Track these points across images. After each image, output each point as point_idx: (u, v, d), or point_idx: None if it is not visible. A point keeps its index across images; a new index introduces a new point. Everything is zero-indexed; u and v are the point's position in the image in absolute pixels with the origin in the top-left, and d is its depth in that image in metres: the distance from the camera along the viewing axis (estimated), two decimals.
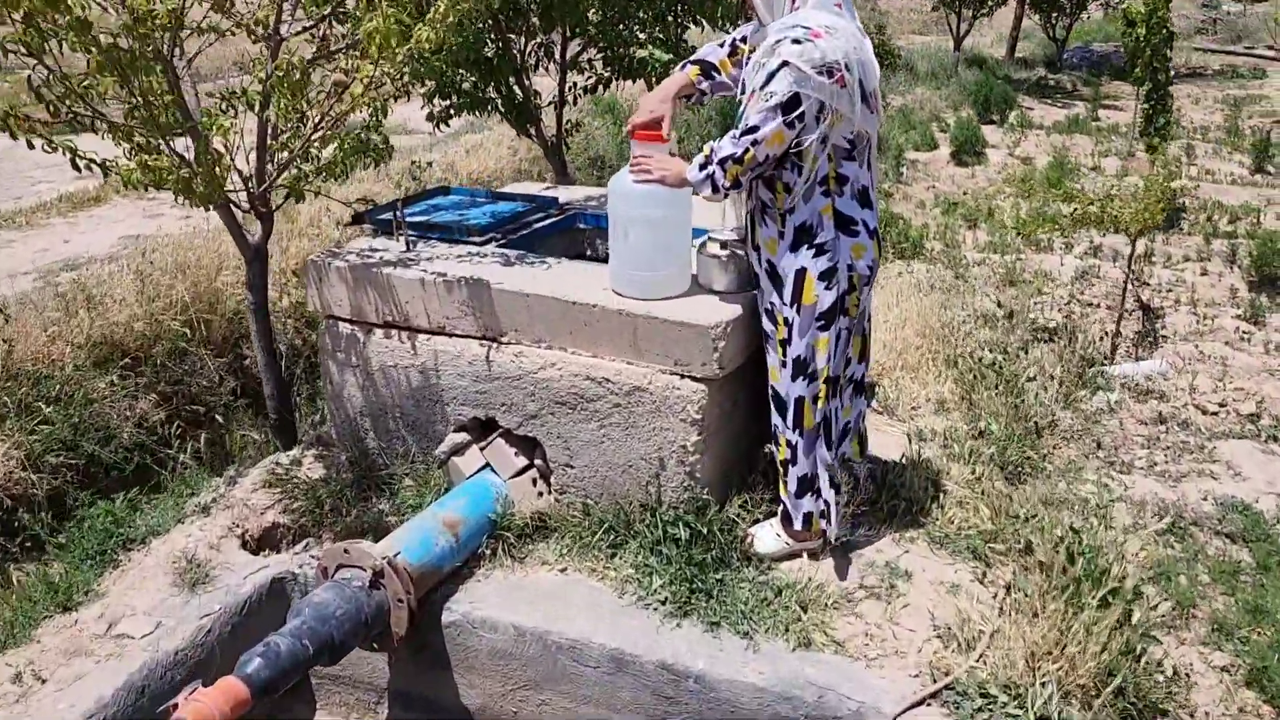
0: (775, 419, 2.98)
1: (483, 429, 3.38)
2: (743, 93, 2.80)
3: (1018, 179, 9.50)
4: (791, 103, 2.57)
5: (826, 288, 2.79)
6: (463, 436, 3.36)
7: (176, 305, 4.69)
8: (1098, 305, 6.18)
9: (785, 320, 2.85)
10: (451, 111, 5.32)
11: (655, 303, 2.99)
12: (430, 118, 5.06)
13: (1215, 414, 4.73)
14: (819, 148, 2.66)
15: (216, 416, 4.55)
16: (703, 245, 3.12)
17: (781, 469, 3.00)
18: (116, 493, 3.96)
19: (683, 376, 2.98)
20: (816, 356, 2.85)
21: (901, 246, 6.46)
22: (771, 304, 2.89)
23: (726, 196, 2.85)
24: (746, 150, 2.64)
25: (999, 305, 5.86)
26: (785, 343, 2.87)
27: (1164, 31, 7.55)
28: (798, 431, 2.93)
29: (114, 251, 6.09)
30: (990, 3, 15.37)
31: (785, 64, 2.57)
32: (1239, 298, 6.39)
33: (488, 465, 3.33)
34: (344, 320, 3.48)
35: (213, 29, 3.29)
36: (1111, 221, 5.17)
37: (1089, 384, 4.94)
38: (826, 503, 2.96)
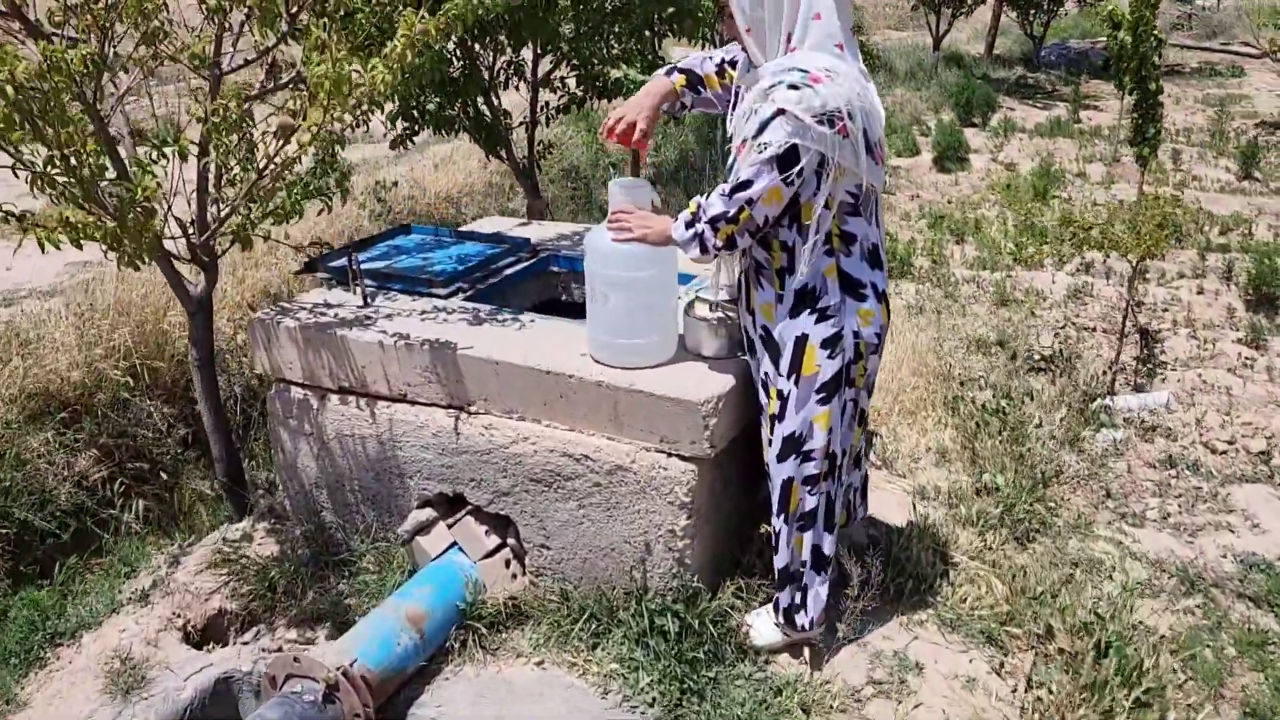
0: (772, 496, 2.71)
1: (450, 504, 3.08)
2: (729, 141, 2.51)
3: (1002, 186, 9.26)
4: (789, 156, 2.27)
5: (830, 356, 2.49)
6: (427, 513, 3.05)
7: (119, 351, 4.34)
8: (1094, 329, 5.94)
9: (779, 393, 2.56)
10: (414, 130, 5.01)
11: (639, 372, 2.70)
12: (393, 145, 4.73)
13: (1225, 453, 4.50)
14: (820, 204, 2.37)
15: (162, 474, 4.21)
16: (690, 306, 2.83)
17: (783, 550, 2.72)
18: (53, 563, 3.66)
19: (670, 455, 2.69)
20: (814, 433, 2.55)
21: (889, 265, 6.19)
22: (765, 374, 2.60)
23: (716, 257, 2.56)
24: (741, 209, 2.35)
25: (993, 334, 5.62)
26: (776, 418, 2.58)
27: (1152, 39, 7.31)
28: (782, 517, 2.66)
29: (57, 282, 5.72)
30: (970, 1, 15.12)
31: (781, 112, 2.26)
32: (1237, 318, 6.17)
33: (455, 544, 3.03)
34: (295, 384, 3.17)
35: (141, 64, 2.96)
36: (1113, 246, 4.92)
37: (1092, 419, 4.70)
38: (804, 595, 2.69)
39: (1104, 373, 5.01)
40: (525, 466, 2.86)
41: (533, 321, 3.07)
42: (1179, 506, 4.02)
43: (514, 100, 5.59)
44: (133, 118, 10.62)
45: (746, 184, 2.33)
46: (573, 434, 2.79)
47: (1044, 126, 11.82)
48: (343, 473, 3.18)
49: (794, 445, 2.57)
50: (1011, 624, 2.92)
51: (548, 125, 5.45)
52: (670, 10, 4.79)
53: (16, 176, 2.69)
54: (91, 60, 2.46)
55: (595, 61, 4.98)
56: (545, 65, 5.24)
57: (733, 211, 2.36)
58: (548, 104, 5.32)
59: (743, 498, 3.00)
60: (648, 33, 5.15)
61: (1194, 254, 7.20)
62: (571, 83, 5.14)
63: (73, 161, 2.63)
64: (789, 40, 2.36)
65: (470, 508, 3.03)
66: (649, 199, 2.66)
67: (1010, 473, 3.81)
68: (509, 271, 3.54)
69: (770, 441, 2.61)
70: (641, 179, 2.73)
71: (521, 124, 5.35)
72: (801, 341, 2.49)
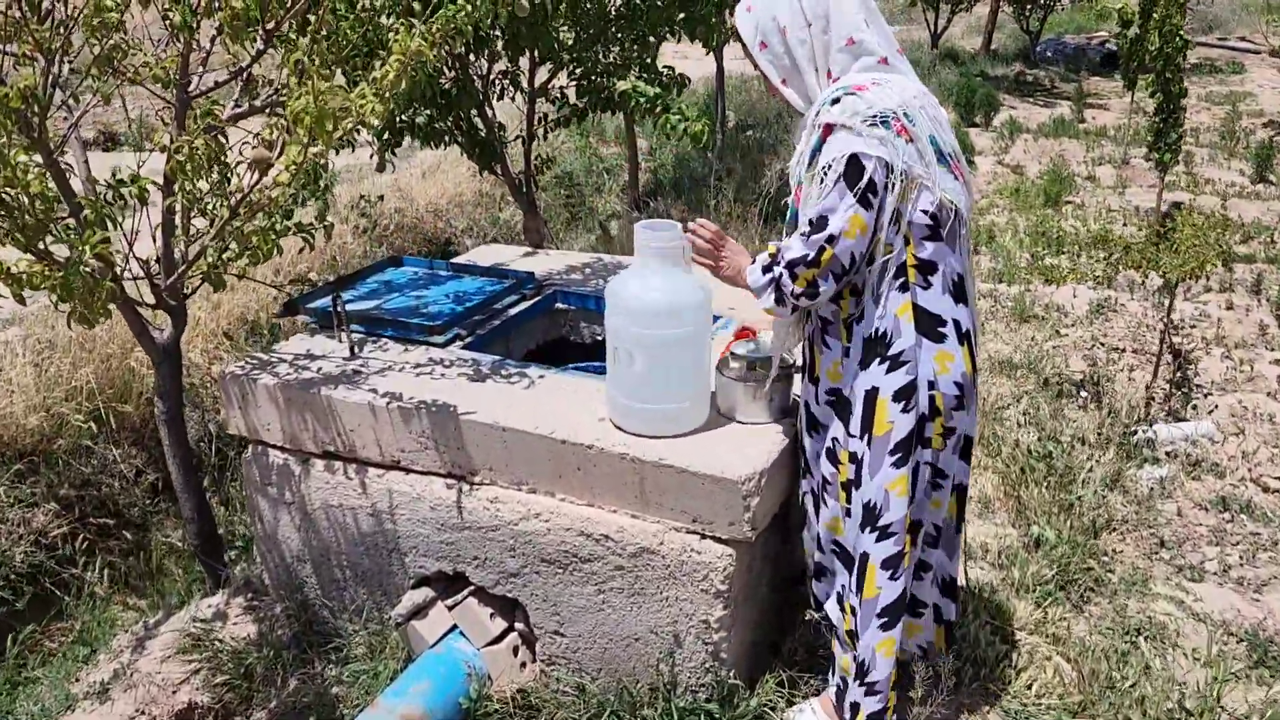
0: (841, 578, 2.37)
1: (450, 582, 2.74)
2: (792, 188, 2.20)
3: (1010, 190, 8.96)
4: (853, 169, 1.98)
5: (903, 410, 2.13)
6: (425, 594, 2.71)
7: (81, 392, 3.97)
8: (1123, 350, 5.63)
9: (852, 456, 2.21)
10: (398, 142, 4.65)
11: (668, 442, 2.36)
12: (379, 167, 4.37)
13: (1278, 491, 4.20)
14: (890, 226, 2.04)
15: (127, 532, 3.85)
16: (724, 363, 2.49)
17: (849, 639, 2.35)
18: (6, 632, 3.31)
19: (703, 537, 2.35)
20: (891, 503, 2.17)
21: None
22: (834, 441, 2.26)
23: (795, 310, 2.20)
24: (822, 249, 2.03)
25: (1017, 355, 5.31)
26: (851, 485, 2.23)
27: (1178, 40, 6.99)
28: (857, 599, 2.29)
29: (17, 309, 5.32)
30: None
31: (829, 129, 2.02)
32: (1270, 336, 5.88)
33: (456, 628, 2.69)
34: (275, 448, 2.82)
35: (97, 91, 2.60)
36: (1152, 266, 4.60)
37: (1134, 454, 4.39)
38: (867, 692, 2.30)
39: (1147, 404, 4.70)
40: (536, 546, 2.52)
41: (542, 377, 2.72)
42: (1239, 557, 3.71)
43: (508, 110, 5.25)
44: (105, 120, 10.20)
45: (822, 219, 2.03)
46: (591, 510, 2.45)
47: (1048, 126, 11.51)
48: (329, 546, 2.83)
49: (870, 516, 2.21)
50: (1084, 715, 2.60)
51: (545, 138, 5.10)
52: (681, 16, 4.44)
53: None
54: (31, 94, 2.10)
55: (597, 71, 4.63)
56: (542, 75, 4.89)
57: (813, 253, 2.04)
58: (545, 116, 4.97)
59: (779, 577, 2.67)
60: (651, 39, 4.80)
61: (1220, 267, 6.90)
62: (571, 93, 4.79)
63: (16, 203, 2.27)
64: (829, 76, 2.12)
65: (473, 588, 2.69)
66: (680, 240, 2.32)
67: (1059, 523, 3.49)
68: (512, 311, 3.20)
69: (848, 511, 2.27)
70: (670, 220, 2.39)
71: (517, 137, 4.99)
72: (872, 395, 2.15)
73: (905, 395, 2.13)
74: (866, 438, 2.17)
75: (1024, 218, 8.07)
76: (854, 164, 1.97)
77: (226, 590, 3.06)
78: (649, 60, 4.85)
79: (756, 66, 2.21)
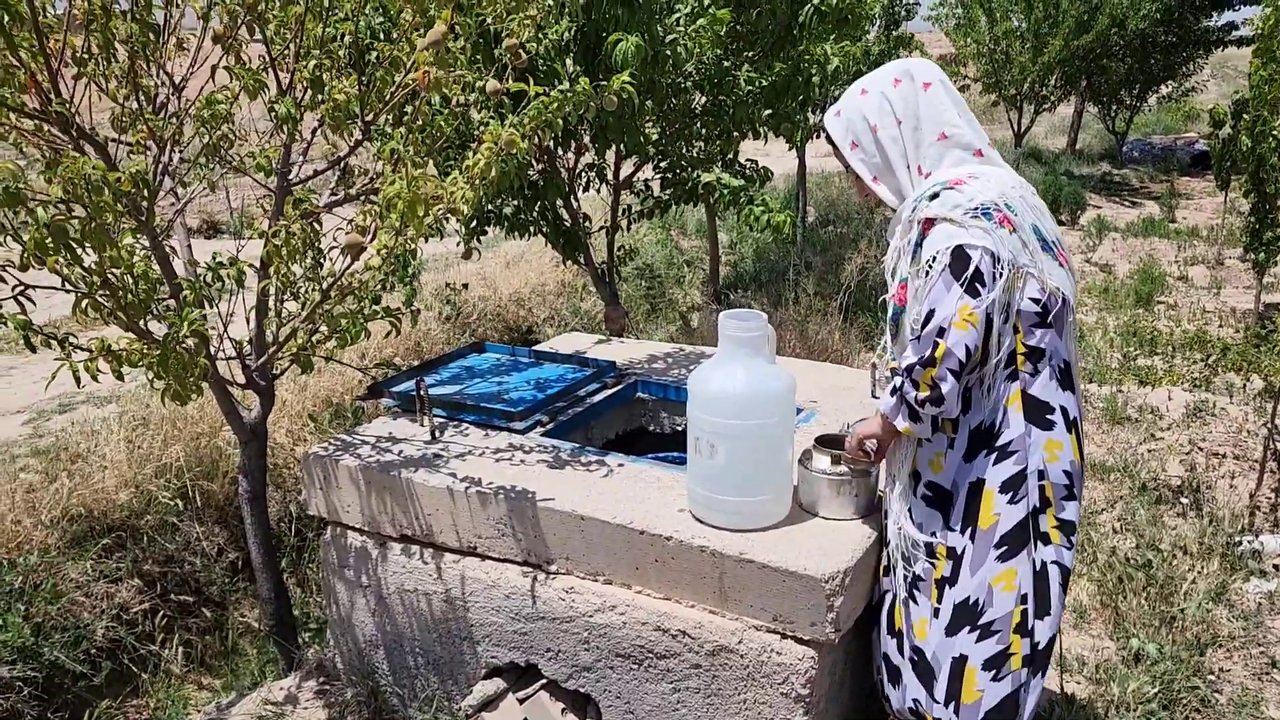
0: (913, 691, 2.24)
1: (521, 676, 2.68)
2: (890, 286, 2.18)
3: (1099, 289, 8.78)
4: (958, 260, 1.94)
5: (1011, 501, 2.06)
6: (496, 685, 2.65)
7: (170, 469, 4.06)
8: (1223, 455, 5.39)
9: (949, 551, 2.13)
10: (484, 230, 4.74)
11: (750, 537, 2.30)
12: (466, 255, 4.46)
13: None
14: (998, 317, 1.99)
15: (206, 609, 3.87)
16: (807, 456, 2.43)
17: None
18: (84, 708, 3.33)
19: (784, 636, 2.27)
20: (995, 599, 2.09)
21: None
22: (933, 535, 2.17)
23: (934, 425, 2.09)
24: (934, 344, 1.96)
25: (1110, 458, 5.12)
26: (946, 582, 2.13)
27: (1271, 140, 6.85)
28: (951, 707, 2.15)
29: (116, 385, 5.51)
30: (1052, 98, 14.79)
31: (929, 223, 2.00)
32: None
33: None
34: (354, 530, 2.82)
35: (202, 179, 2.71)
36: (1253, 369, 4.43)
37: (1239, 565, 4.15)
38: None
39: (1252, 513, 4.47)
40: (612, 639, 2.45)
41: (621, 465, 2.69)
42: None
43: (592, 202, 5.34)
44: (209, 209, 10.67)
45: (930, 314, 1.98)
46: (669, 605, 2.39)
47: (1136, 225, 11.32)
48: (402, 631, 2.80)
49: (969, 614, 2.11)
50: None
51: (628, 229, 5.16)
52: (767, 113, 4.50)
53: (66, 290, 2.44)
54: (142, 179, 2.18)
55: (681, 164, 4.69)
56: (627, 167, 4.98)
57: (927, 351, 1.97)
58: (629, 208, 5.04)
59: (860, 679, 2.56)
60: (735, 135, 4.86)
61: None
62: (656, 185, 4.86)
63: (119, 283, 2.36)
64: (920, 171, 2.13)
65: (545, 681, 2.62)
66: (764, 330, 2.29)
67: (1161, 638, 3.30)
68: (593, 400, 3.19)
69: (937, 611, 2.16)
70: (755, 310, 2.37)
71: (601, 228, 5.06)
72: (977, 487, 2.09)
73: (1013, 486, 2.07)
74: (969, 531, 2.10)
75: (1114, 317, 7.89)
76: (959, 255, 1.95)
77: (299, 673, 3.04)
78: (731, 156, 4.91)
79: (848, 167, 2.23)
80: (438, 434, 2.90)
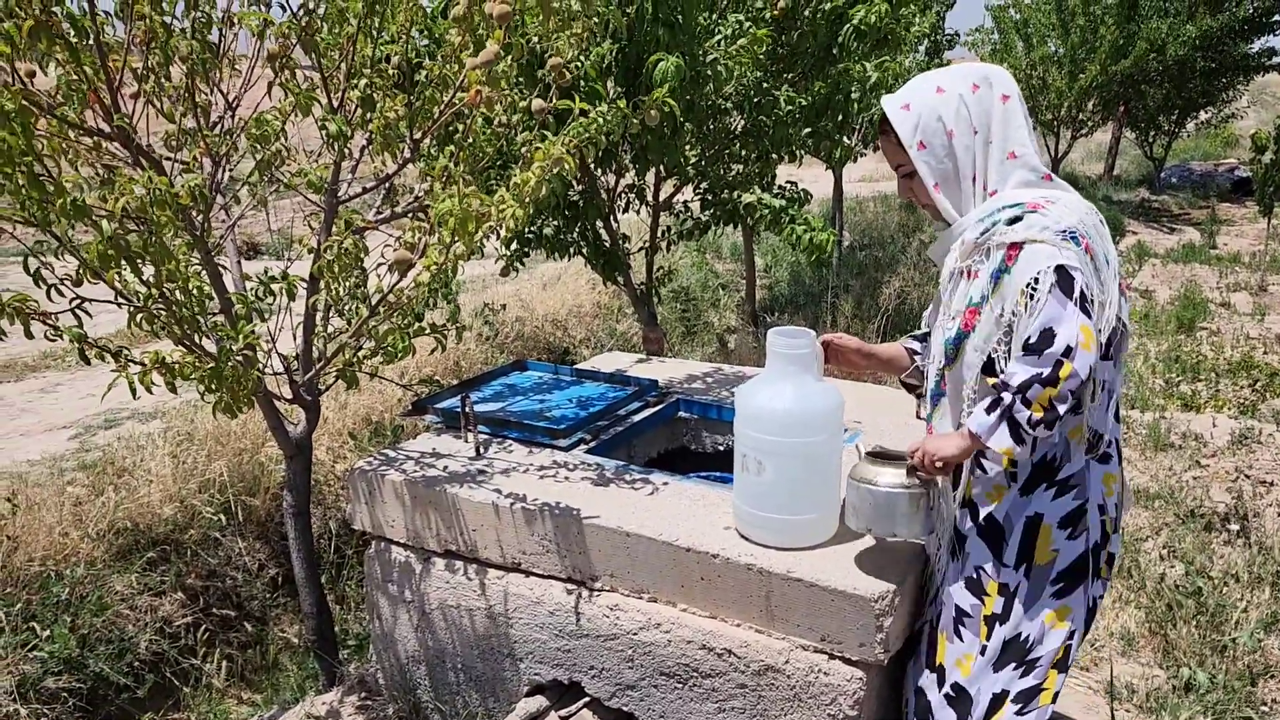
0: None
1: (564, 693, 2.67)
2: (938, 317, 2.14)
3: (1139, 315, 8.68)
4: (1065, 278, 1.81)
5: (1070, 537, 2.01)
6: (538, 703, 2.64)
7: (214, 484, 4.10)
8: (1271, 483, 5.29)
9: (1002, 588, 2.06)
10: (526, 252, 4.77)
11: (798, 555, 2.28)
12: (504, 271, 4.49)
13: None
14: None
15: (247, 624, 3.90)
16: (856, 473, 2.37)
17: None
18: None
19: (832, 657, 2.24)
20: (1047, 637, 2.04)
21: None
22: (978, 570, 2.10)
23: (1034, 448, 1.97)
24: (1059, 364, 1.81)
25: (1154, 485, 5.04)
26: (997, 619, 2.07)
27: None
28: None
29: (161, 402, 5.58)
30: (1090, 124, 14.71)
31: (1017, 246, 1.87)
32: None
33: None
34: (398, 545, 2.83)
35: (255, 195, 2.75)
36: None
37: None
38: None
39: None
40: (656, 657, 2.44)
41: (665, 484, 2.68)
42: None
43: (630, 224, 5.36)
44: (249, 231, 10.82)
45: (1048, 333, 1.82)
46: (714, 623, 2.37)
47: (1176, 251, 11.20)
48: (445, 647, 2.80)
49: (1018, 652, 2.07)
50: None
51: (667, 250, 5.17)
52: (806, 131, 4.50)
53: (119, 307, 2.47)
54: (200, 193, 2.22)
55: (721, 185, 4.70)
56: (667, 189, 4.99)
57: (1048, 370, 1.82)
58: (668, 229, 5.05)
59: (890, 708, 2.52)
60: (774, 156, 4.87)
61: None
62: (695, 206, 4.87)
63: (174, 298, 2.39)
64: (985, 188, 2.01)
65: (588, 699, 2.61)
66: (812, 348, 2.27)
67: (1213, 667, 3.23)
68: (635, 418, 3.18)
69: (984, 649, 2.11)
70: (802, 328, 2.36)
71: (640, 249, 5.08)
72: (1034, 523, 2.03)
73: (1072, 521, 2.01)
74: (1024, 567, 2.04)
75: (1155, 343, 7.80)
76: (1064, 274, 1.81)
77: (341, 688, 3.05)
78: (769, 178, 4.92)
79: (899, 168, 2.09)
80: (482, 450, 2.90)
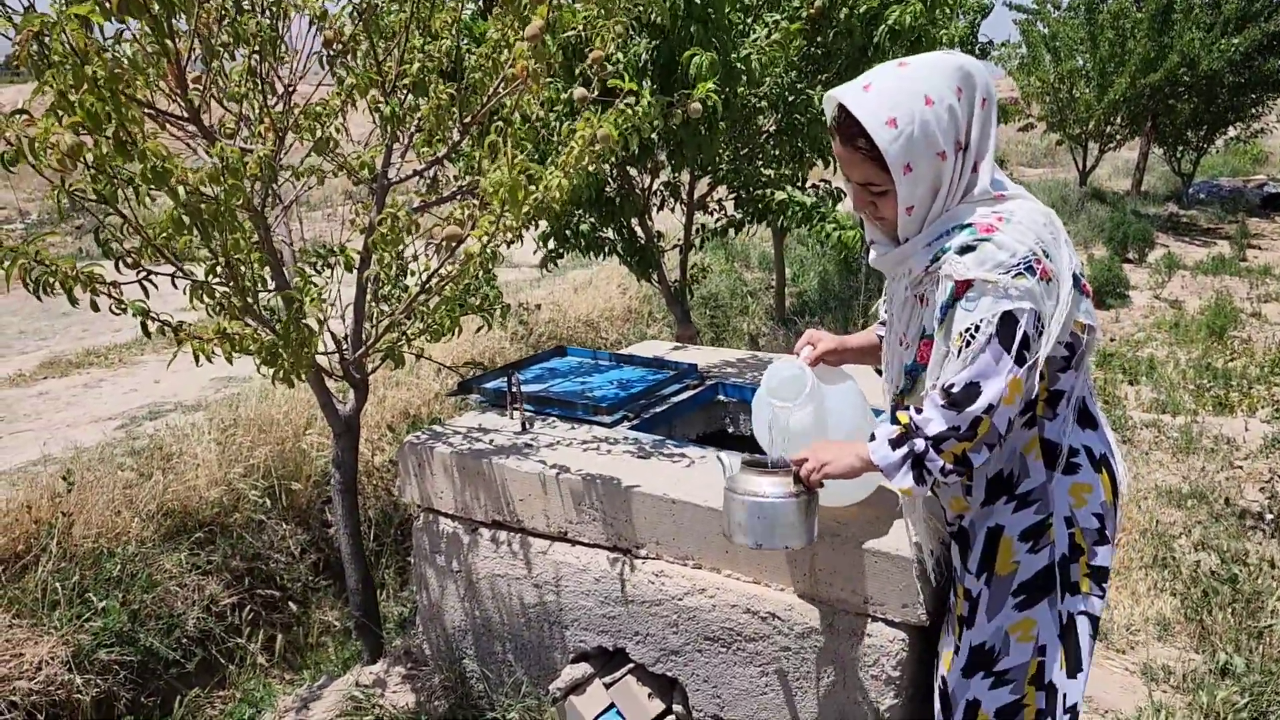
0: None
1: (609, 660, 2.72)
2: (889, 335, 2.04)
3: (1169, 324, 8.66)
4: (1006, 326, 1.72)
5: (1031, 550, 1.92)
6: (583, 669, 2.70)
7: (258, 470, 4.18)
8: None
9: (967, 593, 2.01)
10: (563, 251, 4.85)
11: (840, 519, 2.32)
12: (543, 263, 4.57)
13: None
14: (1035, 373, 1.80)
15: (292, 604, 3.97)
16: (738, 486, 2.15)
17: None
18: (174, 695, 3.43)
19: (874, 619, 2.29)
20: (1011, 648, 1.97)
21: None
22: (953, 569, 2.08)
23: (934, 487, 1.92)
24: (977, 420, 1.76)
25: (1185, 486, 5.04)
26: (964, 623, 2.02)
27: None
28: None
29: (203, 396, 5.69)
30: (1118, 138, 14.70)
31: (966, 285, 1.73)
32: None
33: (613, 707, 2.66)
34: (445, 516, 2.90)
35: (312, 172, 2.84)
36: None
37: None
38: None
39: None
40: (700, 622, 2.49)
41: (703, 457, 2.74)
42: None
43: (665, 221, 5.43)
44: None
45: (973, 388, 1.75)
46: (758, 588, 2.42)
47: (1205, 264, 11.17)
48: (491, 617, 2.86)
49: (984, 660, 2.00)
50: None
51: (701, 248, 5.24)
52: None
53: (175, 286, 2.55)
54: (266, 164, 2.31)
55: (756, 183, 4.77)
56: (701, 187, 5.07)
57: (965, 425, 1.77)
58: (703, 226, 5.13)
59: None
60: (808, 154, 4.93)
61: None
62: (730, 204, 4.94)
63: (237, 271, 2.48)
64: (945, 199, 1.83)
65: (632, 665, 2.66)
66: (807, 383, 2.20)
67: (1250, 652, 3.24)
68: (675, 400, 3.24)
69: (957, 649, 2.06)
70: (786, 360, 2.30)
71: (675, 246, 5.15)
72: (995, 534, 1.94)
73: (1033, 535, 1.92)
74: (985, 576, 1.97)
75: (1185, 352, 7.78)
76: (1007, 321, 1.72)
77: (387, 659, 3.11)
78: (802, 178, 4.99)
79: (866, 184, 1.85)
80: (527, 426, 2.97)
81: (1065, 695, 1.99)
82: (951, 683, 2.06)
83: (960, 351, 1.76)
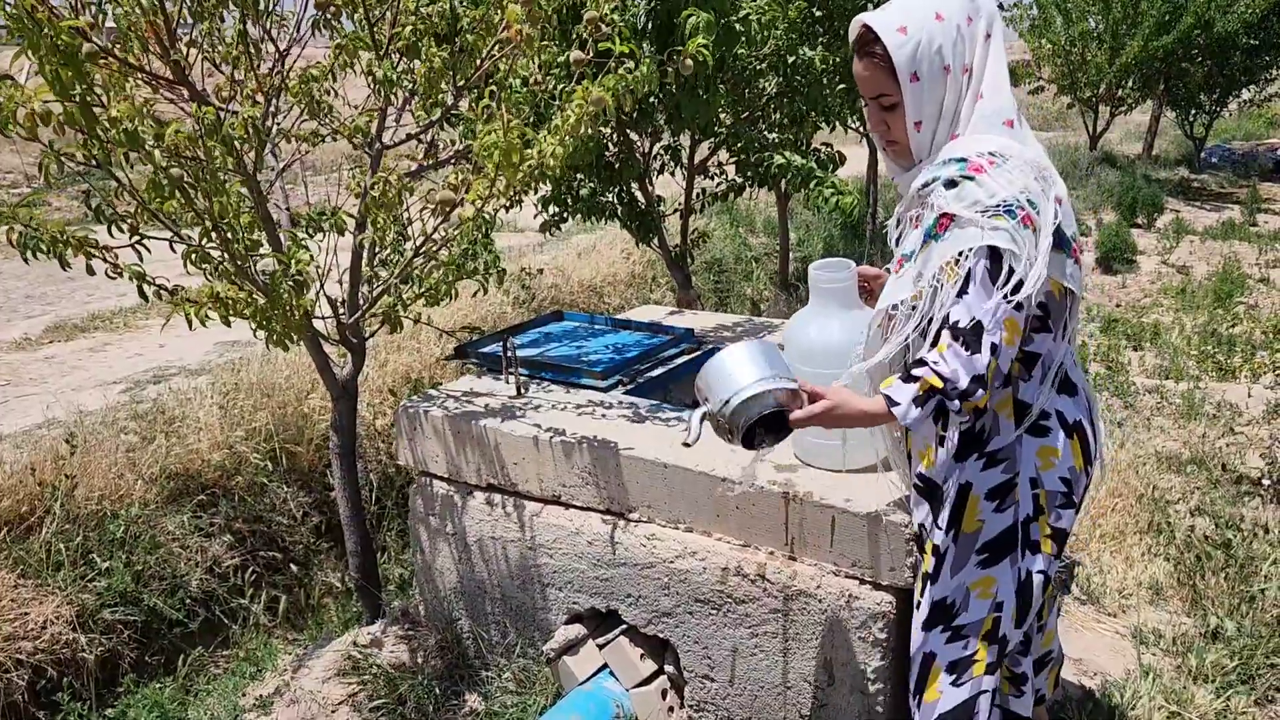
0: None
1: (602, 621, 2.75)
2: (894, 257, 2.01)
3: (1175, 290, 8.62)
4: (995, 261, 1.73)
5: (997, 509, 1.94)
6: (576, 630, 2.73)
7: (260, 433, 4.22)
8: None
9: (935, 548, 2.01)
10: (564, 216, 4.85)
11: (830, 485, 2.34)
12: (544, 227, 4.57)
13: None
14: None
15: (294, 566, 4.02)
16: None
17: None
18: (178, 654, 3.49)
19: (863, 582, 2.31)
20: (970, 604, 1.99)
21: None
22: (922, 525, 2.08)
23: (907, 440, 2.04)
24: (989, 364, 1.75)
25: (1185, 451, 5.04)
26: (930, 578, 2.03)
27: None
28: (915, 701, 2.10)
29: (206, 360, 5.72)
30: (1129, 101, 14.54)
31: (949, 217, 1.76)
32: None
33: (605, 667, 2.70)
34: (439, 479, 2.92)
35: (305, 138, 2.84)
36: None
37: None
38: None
39: None
40: (691, 584, 2.51)
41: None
42: None
43: (665, 185, 5.41)
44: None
45: (977, 328, 1.74)
46: (749, 551, 2.45)
47: (1215, 229, 11.09)
48: (484, 579, 2.89)
49: (943, 614, 2.02)
50: None
51: (701, 212, 5.23)
52: (841, 86, 4.53)
53: (173, 250, 2.56)
54: (253, 125, 2.31)
55: (756, 147, 4.75)
56: (702, 151, 5.04)
57: (982, 368, 1.75)
58: (704, 191, 5.11)
59: None
60: (811, 115, 4.90)
61: None
62: (730, 169, 4.92)
63: (227, 235, 2.48)
64: (951, 126, 1.87)
65: (624, 627, 2.70)
66: (853, 279, 2.31)
67: (1241, 616, 3.26)
68: (671, 364, 3.25)
69: (919, 604, 2.08)
70: (843, 259, 2.39)
71: (675, 210, 5.13)
72: (965, 491, 1.95)
73: (1000, 494, 1.93)
74: (953, 533, 1.98)
75: (1190, 318, 7.76)
76: (995, 258, 1.73)
77: (384, 620, 3.15)
78: (806, 141, 4.96)
79: (877, 97, 1.89)
80: (522, 390, 2.99)
81: (1004, 640, 2.02)
82: (915, 638, 2.08)
83: (945, 284, 1.77)
